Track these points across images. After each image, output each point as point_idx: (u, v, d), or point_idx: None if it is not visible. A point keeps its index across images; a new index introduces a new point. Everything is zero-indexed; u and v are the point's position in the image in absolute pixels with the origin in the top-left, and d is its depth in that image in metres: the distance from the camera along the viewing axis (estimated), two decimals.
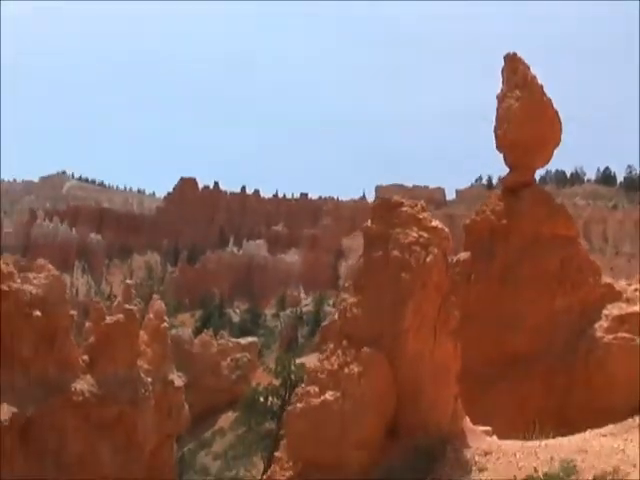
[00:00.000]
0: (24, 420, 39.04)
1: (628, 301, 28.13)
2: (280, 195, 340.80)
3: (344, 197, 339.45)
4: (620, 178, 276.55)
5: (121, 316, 44.78)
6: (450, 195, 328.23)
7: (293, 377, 64.07)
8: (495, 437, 20.97)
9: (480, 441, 20.12)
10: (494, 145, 30.33)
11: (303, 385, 22.81)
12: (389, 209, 20.74)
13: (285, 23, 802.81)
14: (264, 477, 58.89)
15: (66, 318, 43.33)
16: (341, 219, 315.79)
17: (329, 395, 20.09)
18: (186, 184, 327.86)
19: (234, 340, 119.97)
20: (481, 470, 18.19)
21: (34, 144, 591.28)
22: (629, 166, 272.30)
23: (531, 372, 27.91)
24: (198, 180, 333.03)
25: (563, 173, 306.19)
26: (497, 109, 30.22)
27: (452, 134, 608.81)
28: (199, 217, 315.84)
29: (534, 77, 29.52)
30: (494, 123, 30.32)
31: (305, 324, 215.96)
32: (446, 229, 20.69)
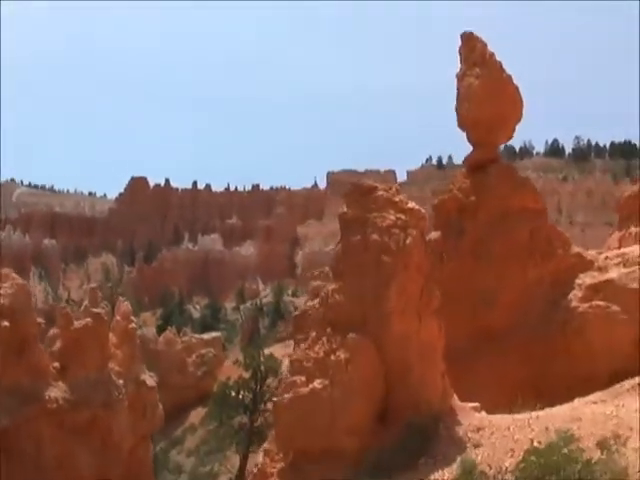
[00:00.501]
0: (1, 432, 38.72)
1: (600, 270, 28.38)
2: (232, 188, 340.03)
3: (296, 186, 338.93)
4: (569, 149, 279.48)
5: (89, 320, 44.41)
6: (401, 177, 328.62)
7: (263, 369, 63.96)
8: (484, 413, 21.12)
9: (470, 417, 20.25)
10: (455, 123, 30.43)
11: (286, 375, 22.81)
12: (364, 194, 20.76)
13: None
14: (252, 469, 58.90)
15: (33, 326, 42.92)
16: (294, 208, 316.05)
17: (317, 383, 20.10)
18: (137, 183, 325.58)
19: (197, 336, 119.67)
20: (476, 446, 18.29)
21: None
22: (577, 137, 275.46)
23: (508, 346, 28.09)
24: (149, 179, 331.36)
25: (512, 147, 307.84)
26: (457, 88, 30.33)
27: (400, 115, 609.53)
28: (152, 215, 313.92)
29: (492, 54, 29.65)
30: (455, 102, 30.41)
31: (266, 315, 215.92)
32: (422, 210, 20.73)
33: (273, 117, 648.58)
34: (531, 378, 27.33)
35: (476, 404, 21.61)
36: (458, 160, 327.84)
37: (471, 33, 30.45)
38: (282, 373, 64.87)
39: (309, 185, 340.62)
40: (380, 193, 20.45)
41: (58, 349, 44.20)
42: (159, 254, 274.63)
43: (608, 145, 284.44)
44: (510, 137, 30.75)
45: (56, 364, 43.42)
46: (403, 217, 20.04)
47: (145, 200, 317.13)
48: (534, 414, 19.54)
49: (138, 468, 48.41)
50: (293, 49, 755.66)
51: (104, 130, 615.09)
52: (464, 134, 30.70)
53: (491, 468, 16.26)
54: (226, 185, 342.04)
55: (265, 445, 23.59)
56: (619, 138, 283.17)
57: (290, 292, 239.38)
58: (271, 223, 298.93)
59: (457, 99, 30.30)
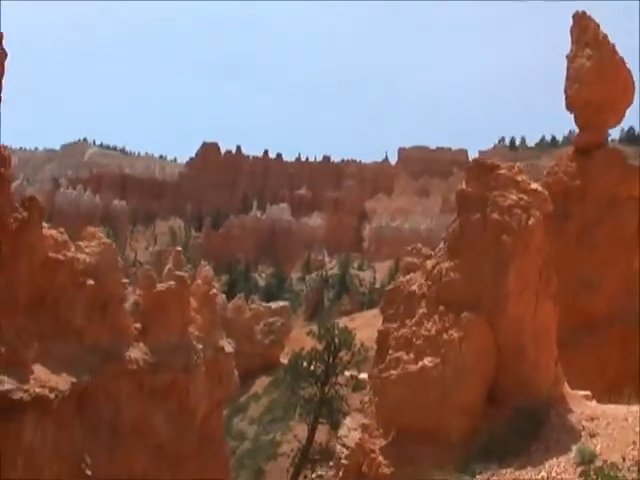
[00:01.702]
0: (81, 389, 39.04)
1: None
2: (303, 158, 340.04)
3: (366, 160, 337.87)
4: None
5: (172, 283, 44.59)
6: (473, 156, 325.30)
7: (337, 341, 63.89)
8: (595, 402, 20.69)
9: (582, 406, 19.85)
10: (563, 104, 29.77)
11: (390, 351, 22.54)
12: (485, 171, 20.35)
13: None
14: (322, 440, 58.64)
15: (118, 286, 43.17)
16: (364, 182, 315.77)
17: (428, 361, 19.86)
18: (208, 149, 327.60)
19: (265, 305, 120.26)
20: (592, 435, 17.88)
21: (54, 113, 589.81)
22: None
23: (610, 335, 27.62)
24: (220, 145, 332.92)
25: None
26: (567, 69, 29.73)
27: (471, 96, 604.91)
28: (222, 182, 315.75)
29: (605, 36, 28.99)
30: (564, 82, 29.75)
31: (331, 287, 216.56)
32: (545, 192, 20.25)
33: (346, 90, 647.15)
34: (632, 369, 26.79)
35: (587, 392, 21.20)
36: (531, 142, 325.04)
37: (584, 13, 29.78)
38: (356, 346, 64.93)
39: (380, 159, 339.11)
40: (502, 172, 20.01)
41: (141, 310, 44.49)
42: (227, 221, 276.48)
43: None
44: (619, 121, 30.19)
45: (138, 325, 43.73)
46: (525, 197, 19.60)
47: (216, 166, 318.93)
48: None
49: (211, 435, 48.64)
50: (369, 29, 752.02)
51: (175, 95, 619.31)
52: (572, 116, 30.09)
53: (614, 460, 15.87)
54: (297, 155, 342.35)
55: (364, 420, 23.38)
56: None
57: (356, 266, 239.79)
58: (340, 195, 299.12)
59: (567, 80, 29.73)
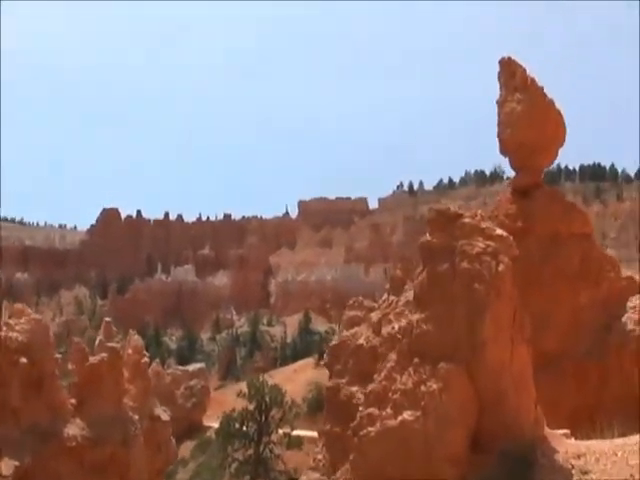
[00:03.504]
0: (22, 473, 38.06)
1: None
2: (204, 218, 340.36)
3: (268, 215, 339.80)
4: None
5: (105, 355, 43.95)
6: (373, 204, 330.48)
7: (267, 400, 63.77)
8: (573, 439, 20.92)
9: (565, 444, 20.02)
10: (498, 147, 30.38)
11: (361, 408, 22.46)
12: (449, 221, 20.56)
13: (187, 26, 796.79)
14: None
15: (51, 362, 42.42)
16: (266, 237, 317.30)
17: (408, 415, 19.80)
18: (108, 215, 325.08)
19: (182, 368, 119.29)
20: (585, 473, 18.02)
21: None
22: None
23: (563, 371, 28.00)
24: (120, 210, 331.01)
25: (482, 172, 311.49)
26: (498, 114, 30.33)
27: (369, 143, 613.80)
28: (124, 247, 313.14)
29: (533, 79, 29.70)
30: (497, 127, 30.40)
31: (242, 345, 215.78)
32: (510, 237, 20.57)
33: (243, 146, 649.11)
34: (586, 403, 27.24)
35: (566, 431, 21.43)
36: (429, 186, 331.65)
37: (509, 58, 30.48)
38: (287, 403, 64.79)
39: (280, 214, 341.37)
40: (467, 220, 20.27)
41: (75, 385, 43.68)
42: (132, 286, 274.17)
43: (577, 168, 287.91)
44: (553, 160, 30.85)
45: (73, 400, 42.88)
46: (492, 244, 19.86)
47: (117, 231, 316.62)
48: (636, 438, 19.29)
49: None
50: (261, 77, 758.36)
51: (72, 162, 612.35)
52: (506, 159, 30.73)
53: None
54: (198, 215, 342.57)
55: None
56: (588, 161, 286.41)
57: (265, 321, 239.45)
58: (243, 252, 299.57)
59: (498, 124, 30.29)
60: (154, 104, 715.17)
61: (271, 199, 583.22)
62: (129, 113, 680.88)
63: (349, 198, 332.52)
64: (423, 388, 19.72)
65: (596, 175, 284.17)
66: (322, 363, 35.56)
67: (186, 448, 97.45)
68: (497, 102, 30.49)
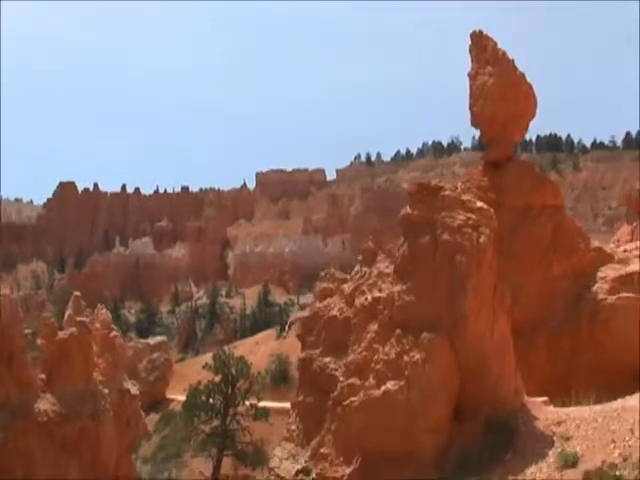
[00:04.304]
0: None
1: (621, 262, 28.85)
2: (161, 191, 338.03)
3: (225, 187, 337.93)
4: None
5: (74, 329, 43.70)
6: (330, 175, 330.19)
7: (234, 371, 63.65)
8: (552, 407, 21.35)
9: (545, 412, 20.50)
10: (469, 121, 30.58)
11: (341, 379, 22.74)
12: (430, 194, 20.84)
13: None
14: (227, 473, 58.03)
15: (22, 338, 42.17)
16: (224, 209, 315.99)
17: (391, 385, 20.13)
18: (65, 189, 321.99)
19: (143, 341, 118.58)
20: (567, 439, 18.47)
21: None
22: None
23: (535, 341, 28.37)
24: (77, 184, 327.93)
25: (440, 143, 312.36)
26: (470, 86, 30.44)
27: (327, 114, 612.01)
28: (81, 221, 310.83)
29: (504, 53, 29.85)
30: (468, 100, 30.55)
31: (202, 317, 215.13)
32: (491, 209, 20.88)
33: (200, 119, 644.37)
34: (558, 372, 27.65)
35: (545, 398, 21.87)
36: (386, 157, 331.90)
37: (480, 32, 30.61)
38: (253, 375, 64.87)
39: (238, 186, 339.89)
40: (447, 193, 20.56)
41: (44, 360, 43.47)
42: (90, 260, 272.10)
43: (534, 139, 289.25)
44: (524, 134, 31.06)
45: (42, 376, 42.69)
46: (473, 216, 20.18)
47: (74, 205, 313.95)
48: (615, 404, 19.77)
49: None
50: (221, 52, 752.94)
51: (30, 135, 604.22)
52: (478, 131, 30.96)
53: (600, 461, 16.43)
54: (155, 188, 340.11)
55: (322, 449, 23.46)
56: (544, 132, 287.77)
57: (224, 293, 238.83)
58: (201, 225, 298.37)
59: (470, 97, 30.41)
60: (113, 78, 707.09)
61: (228, 171, 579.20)
62: (88, 88, 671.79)
63: (306, 170, 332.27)
64: (406, 358, 20.06)
65: (552, 146, 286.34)
66: (296, 335, 35.63)
67: (150, 422, 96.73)
68: (468, 75, 30.63)
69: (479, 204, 20.69)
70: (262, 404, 65.51)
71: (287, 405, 75.90)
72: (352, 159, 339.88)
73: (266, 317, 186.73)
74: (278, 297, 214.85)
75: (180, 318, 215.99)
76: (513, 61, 29.92)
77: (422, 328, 20.01)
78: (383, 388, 20.31)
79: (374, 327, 21.94)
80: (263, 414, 62.99)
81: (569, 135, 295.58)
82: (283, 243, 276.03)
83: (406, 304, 20.69)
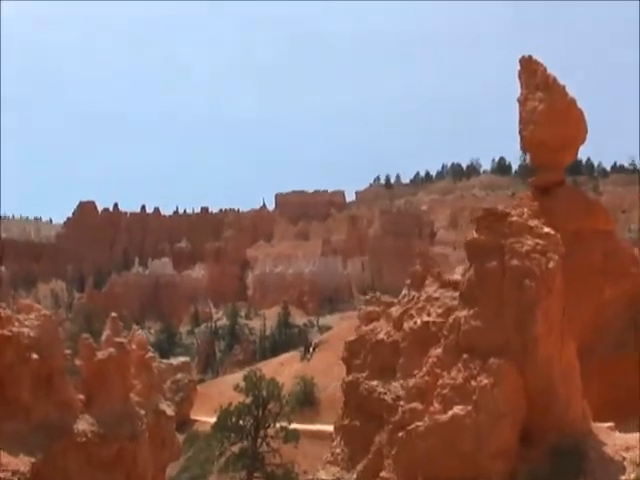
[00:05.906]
0: (35, 469, 38.03)
1: None
2: (181, 211, 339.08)
3: (244, 208, 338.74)
4: (515, 167, 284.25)
5: (112, 350, 43.83)
6: (350, 197, 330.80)
7: (264, 394, 63.72)
8: (618, 432, 21.32)
9: (612, 437, 20.48)
10: (519, 144, 30.73)
11: (402, 403, 22.73)
12: (497, 219, 20.92)
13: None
14: None
15: (61, 358, 42.28)
16: (243, 230, 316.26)
17: (458, 410, 20.13)
18: (85, 208, 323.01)
19: (166, 362, 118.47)
20: (638, 464, 18.41)
21: None
22: (522, 154, 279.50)
23: (588, 368, 28.24)
24: (97, 203, 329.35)
25: (459, 166, 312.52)
26: (520, 112, 30.68)
27: (347, 136, 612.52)
28: (101, 240, 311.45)
29: (555, 78, 30.05)
30: (518, 124, 30.73)
31: (221, 338, 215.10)
32: (558, 235, 20.96)
33: (221, 139, 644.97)
34: (611, 399, 27.55)
35: (610, 424, 21.86)
36: (405, 179, 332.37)
37: (530, 57, 30.85)
38: (284, 397, 64.89)
39: (257, 207, 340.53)
40: (514, 218, 20.67)
41: (83, 380, 43.60)
42: (109, 279, 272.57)
43: None
44: (574, 158, 31.23)
45: (81, 396, 42.80)
46: (541, 242, 20.28)
47: (94, 225, 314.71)
48: None
49: None
50: (240, 72, 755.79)
51: (50, 154, 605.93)
52: (528, 155, 31.12)
53: None
54: (175, 208, 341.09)
55: (383, 474, 23.40)
56: None
57: (243, 314, 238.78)
58: (220, 245, 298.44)
59: (520, 122, 30.65)
60: (132, 97, 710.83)
61: (248, 193, 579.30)
62: (108, 107, 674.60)
63: (326, 191, 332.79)
64: (474, 383, 20.08)
65: (572, 169, 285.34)
66: (341, 358, 35.46)
67: None
68: (518, 100, 30.88)
69: (546, 229, 20.82)
70: (295, 426, 65.51)
71: (312, 427, 75.82)
72: (371, 181, 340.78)
73: (286, 338, 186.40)
74: (297, 318, 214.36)
75: (200, 339, 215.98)
76: (564, 87, 30.08)
77: (490, 353, 20.06)
78: (450, 413, 20.32)
79: (436, 352, 21.97)
80: (293, 437, 62.95)
81: (589, 158, 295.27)
82: (302, 264, 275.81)
83: (473, 329, 20.74)
